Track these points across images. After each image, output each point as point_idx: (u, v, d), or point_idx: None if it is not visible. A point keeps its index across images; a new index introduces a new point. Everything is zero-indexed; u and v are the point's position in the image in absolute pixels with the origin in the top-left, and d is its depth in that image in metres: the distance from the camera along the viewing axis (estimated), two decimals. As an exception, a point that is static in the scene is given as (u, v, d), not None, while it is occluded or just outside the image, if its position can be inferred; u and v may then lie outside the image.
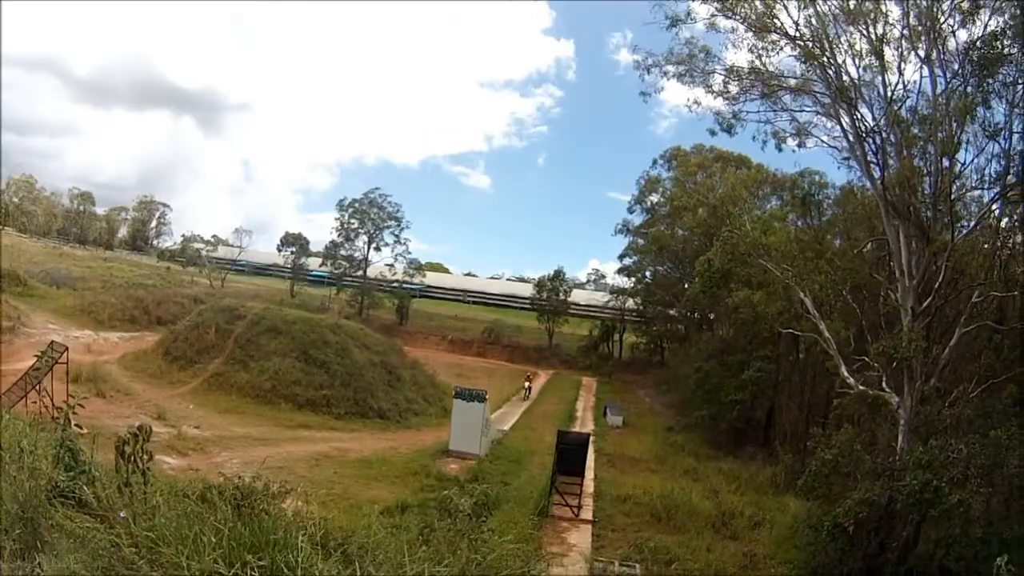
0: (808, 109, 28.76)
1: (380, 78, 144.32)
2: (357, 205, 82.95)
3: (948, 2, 23.74)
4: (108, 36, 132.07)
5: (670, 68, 29.17)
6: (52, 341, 30.94)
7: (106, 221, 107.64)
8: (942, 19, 23.95)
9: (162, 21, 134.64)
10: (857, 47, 26.30)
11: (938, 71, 24.11)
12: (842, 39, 26.52)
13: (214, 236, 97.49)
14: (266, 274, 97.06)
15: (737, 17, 27.94)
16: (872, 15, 25.44)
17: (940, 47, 24.09)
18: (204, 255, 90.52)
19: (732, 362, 42.49)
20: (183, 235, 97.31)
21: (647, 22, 28.40)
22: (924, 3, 24.29)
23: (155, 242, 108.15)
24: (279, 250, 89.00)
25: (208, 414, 34.38)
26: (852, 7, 25.92)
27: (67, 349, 27.98)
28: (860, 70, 26.20)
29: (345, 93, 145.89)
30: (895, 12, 25.32)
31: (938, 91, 23.92)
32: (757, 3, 27.66)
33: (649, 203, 70.15)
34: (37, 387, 23.93)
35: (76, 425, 24.83)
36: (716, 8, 27.84)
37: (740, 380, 40.03)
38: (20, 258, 66.18)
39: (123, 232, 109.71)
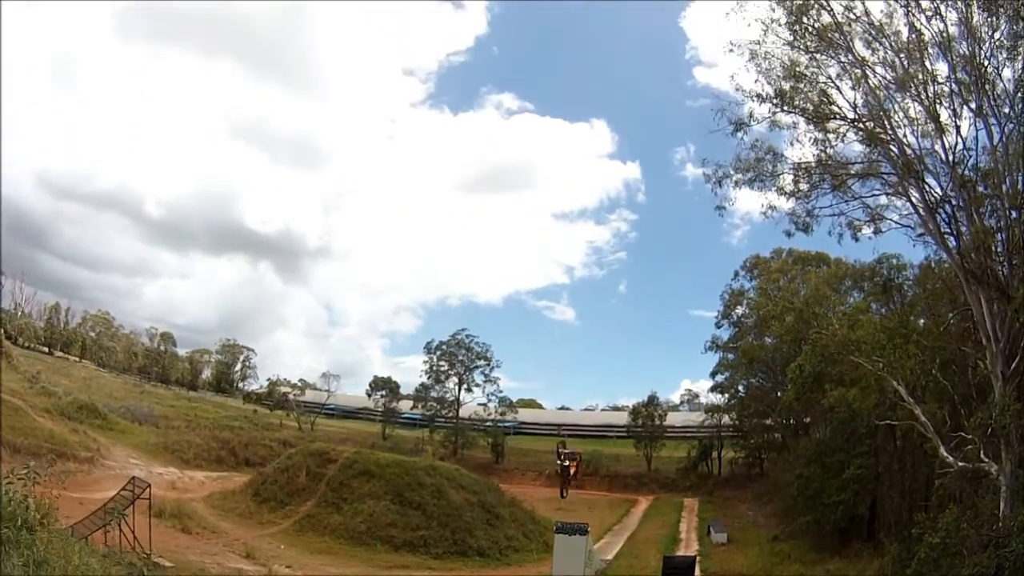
0: (877, 192, 29.06)
1: (459, 219, 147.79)
2: (445, 347, 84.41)
3: (987, 44, 24.06)
4: (181, 179, 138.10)
5: (740, 176, 29.86)
6: (134, 476, 31.80)
7: (189, 362, 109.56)
8: (986, 63, 24.17)
9: (237, 166, 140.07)
10: (912, 113, 26.63)
11: (992, 121, 24.16)
12: (897, 110, 26.94)
13: (301, 380, 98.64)
14: (356, 417, 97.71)
15: (796, 110, 28.61)
16: (920, 77, 25.66)
17: (990, 94, 24.20)
18: (291, 398, 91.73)
19: (831, 463, 41.18)
20: (269, 379, 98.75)
21: (711, 131, 29.22)
22: (965, 50, 24.59)
23: (240, 384, 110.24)
24: (369, 394, 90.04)
25: (299, 555, 34.66)
26: (901, 75, 26.22)
27: (149, 485, 28.71)
28: (919, 138, 26.47)
29: (425, 236, 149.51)
30: (943, 70, 25.68)
31: (995, 142, 24.01)
32: (812, 94, 28.38)
33: (735, 316, 69.73)
34: (118, 519, 24.42)
35: (159, 557, 25.38)
36: (774, 104, 28.62)
37: (841, 480, 38.64)
38: (99, 391, 68.40)
39: (207, 374, 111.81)
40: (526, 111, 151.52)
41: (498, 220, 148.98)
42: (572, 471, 55.41)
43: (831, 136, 28.90)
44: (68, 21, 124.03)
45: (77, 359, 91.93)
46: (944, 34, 25.41)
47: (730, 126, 28.93)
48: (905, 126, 26.81)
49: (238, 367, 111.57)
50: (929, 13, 25.68)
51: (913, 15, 26.05)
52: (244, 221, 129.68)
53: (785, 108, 28.73)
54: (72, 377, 73.03)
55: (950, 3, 25.47)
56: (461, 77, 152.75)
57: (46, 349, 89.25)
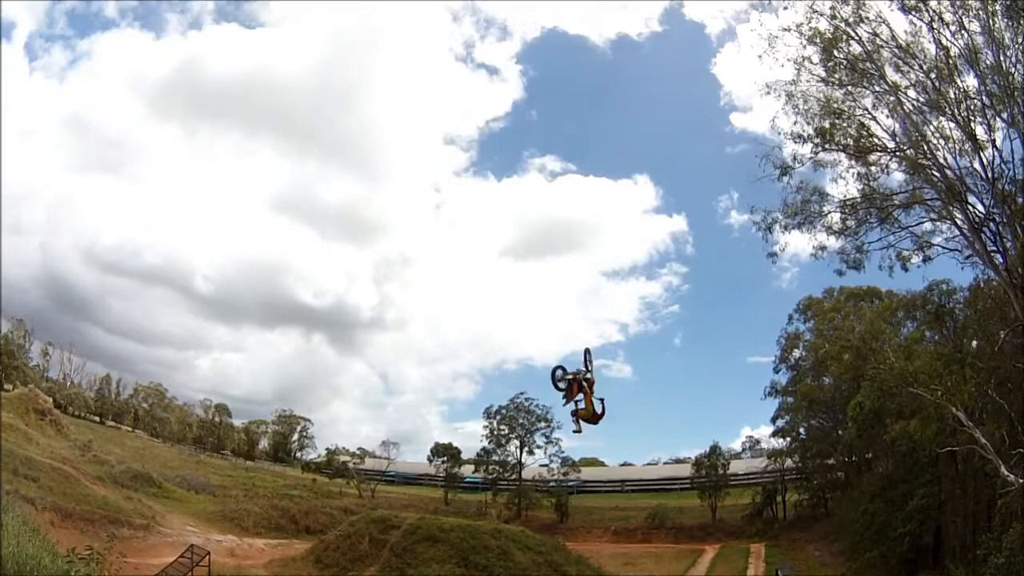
0: (923, 219, 29.44)
1: (511, 283, 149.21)
2: (504, 411, 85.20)
3: (1012, 51, 24.83)
4: (229, 255, 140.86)
5: (788, 220, 30.34)
6: (192, 543, 32.48)
7: (245, 433, 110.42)
8: (1013, 71, 24.79)
9: (285, 241, 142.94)
10: (948, 133, 27.07)
11: (1024, 128, 24.36)
12: (934, 132, 27.43)
13: (360, 448, 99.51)
14: (417, 484, 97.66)
15: (837, 147, 29.30)
16: (952, 95, 26.20)
17: (1019, 101, 24.74)
18: (351, 467, 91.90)
19: (895, 496, 41.36)
20: (328, 448, 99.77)
21: (758, 178, 30.17)
22: (992, 59, 25.30)
23: (299, 454, 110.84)
24: (430, 460, 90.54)
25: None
26: (933, 96, 26.72)
27: (208, 553, 29.43)
28: (958, 158, 26.92)
29: (478, 302, 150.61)
30: (973, 84, 26.27)
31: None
32: (851, 128, 29.03)
33: (792, 359, 69.45)
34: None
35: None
36: (815, 144, 29.35)
37: (906, 512, 38.89)
38: (153, 460, 69.93)
39: (264, 444, 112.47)
40: (569, 172, 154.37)
41: (550, 282, 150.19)
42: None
43: (873, 169, 29.43)
44: (108, 100, 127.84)
45: (130, 429, 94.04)
46: (970, 46, 26.03)
47: (775, 171, 29.86)
48: (943, 148, 27.28)
49: (295, 437, 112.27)
50: (953, 27, 26.39)
51: (938, 31, 26.68)
52: (296, 295, 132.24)
53: (826, 146, 29.44)
54: (125, 446, 74.94)
55: (972, 14, 26.15)
56: (502, 142, 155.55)
57: (97, 418, 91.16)
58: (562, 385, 13.69)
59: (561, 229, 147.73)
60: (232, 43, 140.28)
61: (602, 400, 13.92)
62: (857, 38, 28.21)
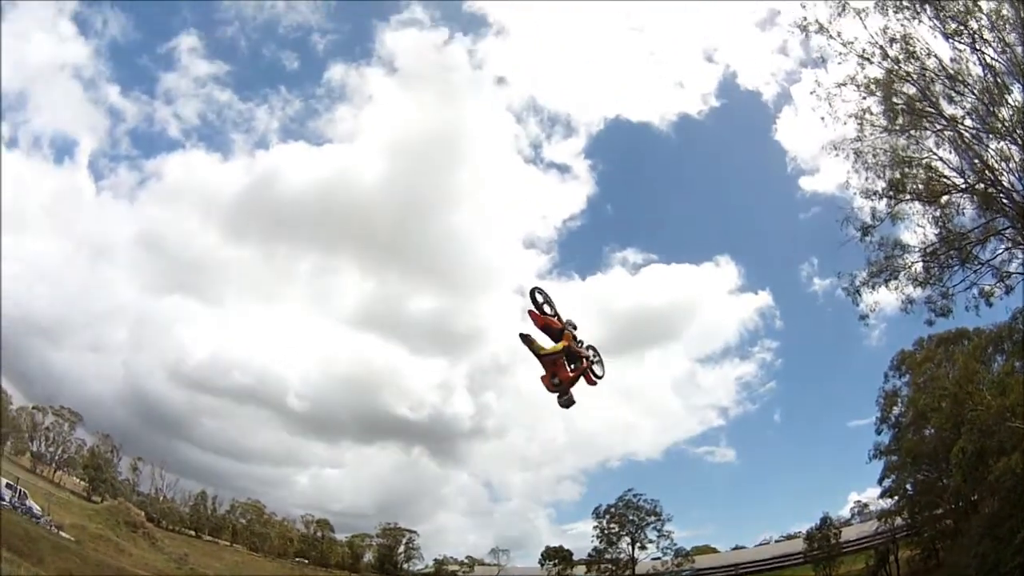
0: (999, 252, 31.00)
1: (607, 382, 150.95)
2: (613, 509, 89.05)
3: None
4: (320, 373, 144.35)
5: (875, 279, 32.40)
6: None
7: (349, 546, 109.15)
8: None
9: (376, 357, 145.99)
10: (1007, 153, 28.92)
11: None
12: (995, 156, 29.17)
13: (468, 557, 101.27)
14: None
15: (909, 195, 31.17)
16: (1004, 115, 28.20)
17: None
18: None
19: (1003, 533, 41.41)
20: (436, 558, 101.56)
21: (841, 243, 32.67)
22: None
23: (405, 566, 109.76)
24: (541, 564, 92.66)
25: None
26: (988, 120, 28.70)
27: None
28: (1020, 179, 28.65)
29: (576, 404, 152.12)
30: (1020, 99, 28.08)
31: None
32: (920, 173, 30.81)
33: (893, 417, 70.87)
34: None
35: None
36: (889, 197, 31.46)
37: (1014, 546, 39.08)
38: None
39: (368, 557, 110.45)
40: (651, 262, 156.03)
41: (645, 375, 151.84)
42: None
43: (948, 210, 30.97)
44: (182, 220, 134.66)
45: (228, 543, 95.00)
46: (1013, 60, 27.95)
47: (857, 232, 32.33)
48: (1006, 171, 28.97)
49: (401, 549, 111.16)
50: (995, 45, 28.42)
51: (981, 51, 28.73)
52: (392, 409, 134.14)
53: (899, 196, 31.50)
54: (224, 560, 77.80)
55: (1010, 27, 28.27)
56: (581, 240, 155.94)
57: (192, 532, 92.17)
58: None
59: (651, 320, 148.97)
60: (301, 160, 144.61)
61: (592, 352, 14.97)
62: (910, 77, 30.51)
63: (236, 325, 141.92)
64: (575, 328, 14.67)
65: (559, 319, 14.46)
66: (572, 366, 14.23)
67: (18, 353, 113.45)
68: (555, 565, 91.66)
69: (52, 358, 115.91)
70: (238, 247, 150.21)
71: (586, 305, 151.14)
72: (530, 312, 14.28)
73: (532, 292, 14.40)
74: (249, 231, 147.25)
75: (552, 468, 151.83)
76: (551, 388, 13.83)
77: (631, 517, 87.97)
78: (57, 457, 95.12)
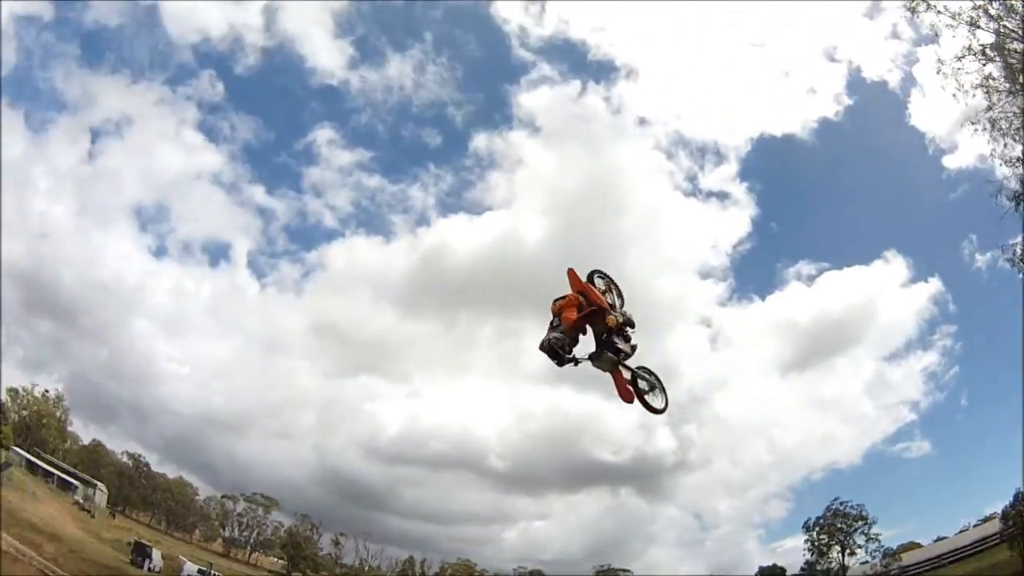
0: None
1: (800, 395, 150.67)
2: (822, 520, 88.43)
3: None
4: (518, 431, 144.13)
5: None
6: None
7: None
8: None
9: (573, 409, 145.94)
10: None
11: None
12: None
13: None
14: None
15: None
16: None
17: None
18: None
19: None
20: None
21: (1000, 216, 32.72)
22: None
23: None
24: None
25: None
26: None
27: None
28: None
29: (773, 422, 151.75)
30: None
31: None
32: None
33: None
34: None
35: None
36: None
37: None
38: None
39: None
40: (824, 270, 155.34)
41: (836, 382, 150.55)
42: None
43: None
44: (355, 304, 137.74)
45: None
46: None
47: (1010, 202, 32.38)
48: None
49: None
50: None
51: None
52: (594, 456, 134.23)
53: None
54: None
55: None
56: (754, 262, 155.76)
57: None
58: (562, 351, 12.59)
59: (833, 328, 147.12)
60: (464, 231, 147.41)
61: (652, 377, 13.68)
62: (1015, 33, 30.47)
63: (426, 396, 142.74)
64: (627, 323, 13.62)
65: (608, 300, 13.68)
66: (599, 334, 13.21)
67: (202, 447, 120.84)
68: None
69: (238, 449, 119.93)
70: (416, 322, 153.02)
71: (771, 325, 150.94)
72: (570, 270, 13.90)
73: (592, 272, 14.09)
74: (424, 306, 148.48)
75: (758, 489, 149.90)
76: (551, 326, 13.08)
77: (839, 525, 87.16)
78: (252, 540, 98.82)
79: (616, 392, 13.18)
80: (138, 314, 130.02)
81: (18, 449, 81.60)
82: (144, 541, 73.31)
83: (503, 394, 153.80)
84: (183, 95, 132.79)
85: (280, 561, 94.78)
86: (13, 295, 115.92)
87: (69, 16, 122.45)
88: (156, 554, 70.72)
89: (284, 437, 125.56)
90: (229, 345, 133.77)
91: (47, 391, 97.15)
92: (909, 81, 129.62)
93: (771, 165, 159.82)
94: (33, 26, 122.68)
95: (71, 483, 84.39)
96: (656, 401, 13.75)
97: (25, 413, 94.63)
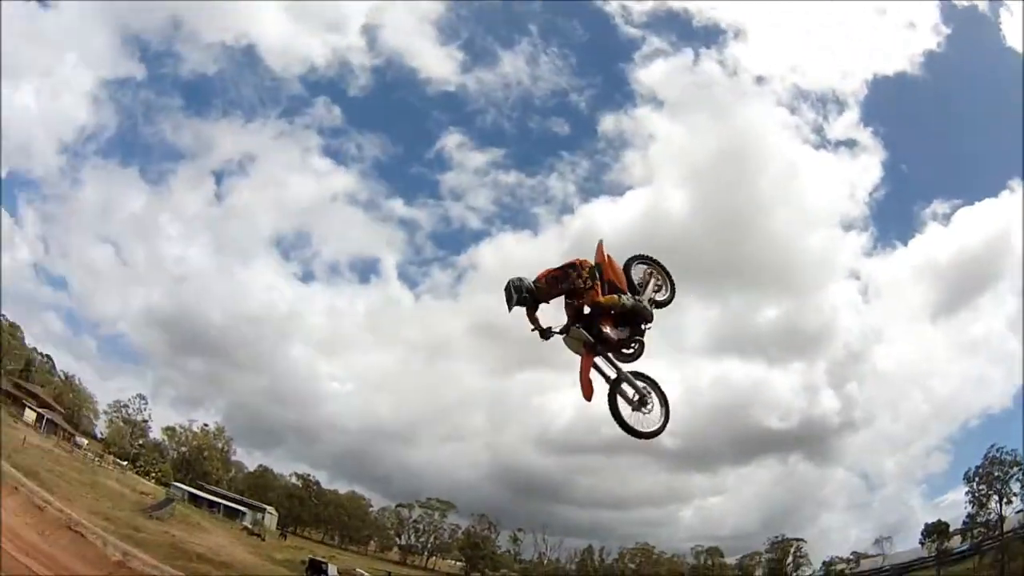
0: None
1: (955, 339, 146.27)
2: (980, 471, 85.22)
3: None
4: (689, 408, 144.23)
5: None
6: None
7: (739, 568, 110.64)
8: None
9: (739, 380, 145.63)
10: None
11: None
12: None
13: (853, 553, 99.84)
14: (911, 570, 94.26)
15: None
16: None
17: None
18: (847, 573, 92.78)
19: None
20: (824, 561, 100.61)
21: None
22: None
23: (794, 575, 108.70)
24: (921, 543, 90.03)
25: None
26: None
27: None
28: None
29: (932, 372, 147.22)
30: None
31: None
32: None
33: None
34: None
35: None
36: None
37: None
38: None
39: (759, 574, 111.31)
40: (958, 208, 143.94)
41: (984, 324, 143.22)
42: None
43: None
44: None
45: None
46: None
47: None
48: None
49: (790, 559, 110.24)
50: None
51: None
52: (762, 424, 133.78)
53: None
54: None
55: None
56: (892, 207, 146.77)
57: None
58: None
59: (974, 265, 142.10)
60: (609, 214, 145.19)
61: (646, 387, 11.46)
62: None
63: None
64: (634, 311, 11.41)
65: (627, 282, 11.75)
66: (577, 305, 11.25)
67: (373, 460, 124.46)
68: (933, 541, 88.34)
69: (409, 457, 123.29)
70: None
71: (916, 270, 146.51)
72: (600, 242, 11.99)
73: (634, 257, 12.23)
74: None
75: (920, 443, 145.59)
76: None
77: (996, 473, 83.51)
78: (429, 545, 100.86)
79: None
80: (293, 339, 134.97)
81: (179, 484, 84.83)
82: (318, 558, 74.76)
83: (669, 371, 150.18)
84: (301, 125, 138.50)
85: (458, 563, 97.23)
86: (159, 339, 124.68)
87: (163, 72, 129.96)
88: (332, 569, 72.02)
89: (455, 440, 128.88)
90: (390, 357, 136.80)
91: (206, 425, 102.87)
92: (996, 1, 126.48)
93: (890, 106, 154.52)
94: (128, 87, 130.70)
95: (238, 510, 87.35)
96: (645, 421, 11.50)
97: (184, 449, 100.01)
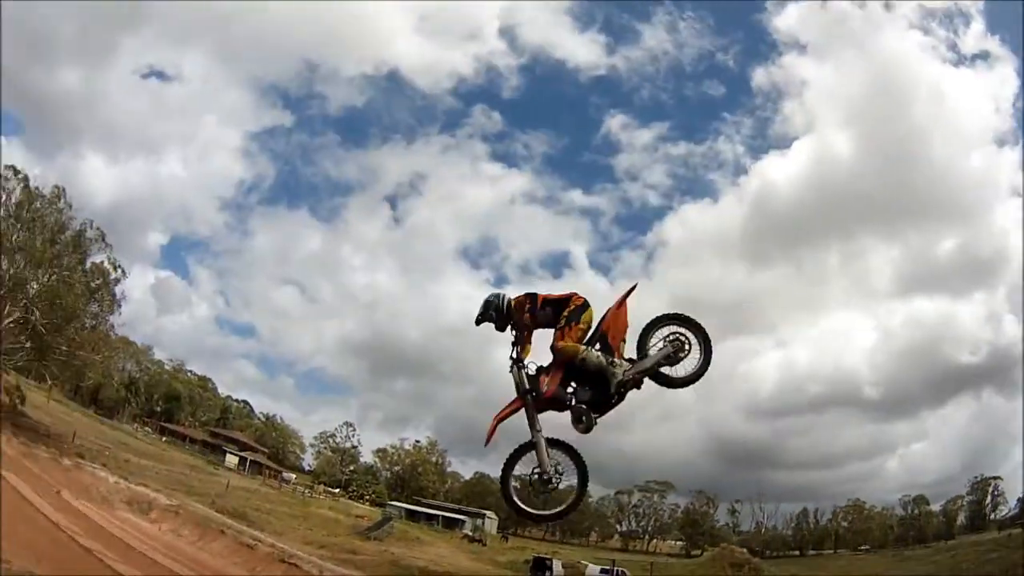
0: None
1: None
2: None
3: None
4: (884, 352, 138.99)
5: None
6: None
7: (943, 515, 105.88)
8: None
9: (925, 319, 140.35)
10: None
11: None
12: None
13: None
14: None
15: None
16: None
17: None
18: None
19: None
20: (1019, 497, 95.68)
21: None
22: None
23: (992, 515, 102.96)
24: None
25: None
26: None
27: None
28: None
29: None
30: None
31: None
32: None
33: None
34: None
35: None
36: None
37: None
38: None
39: (960, 518, 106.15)
40: None
41: None
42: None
43: None
44: (709, 273, 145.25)
45: (831, 551, 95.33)
46: None
47: None
48: None
49: (988, 500, 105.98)
50: None
51: None
52: (955, 361, 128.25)
53: None
54: (827, 569, 78.73)
55: None
56: None
57: (797, 552, 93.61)
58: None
59: None
60: (780, 167, 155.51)
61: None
62: None
63: (793, 342, 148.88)
64: (602, 369, 9.02)
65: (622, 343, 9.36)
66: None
67: (588, 450, 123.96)
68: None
69: (623, 443, 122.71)
70: (764, 271, 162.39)
71: None
72: (627, 294, 9.70)
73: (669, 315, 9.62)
74: (766, 252, 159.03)
75: None
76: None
77: None
78: (650, 528, 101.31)
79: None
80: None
81: (395, 503, 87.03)
82: (542, 555, 73.72)
83: (861, 319, 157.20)
84: (464, 136, 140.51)
85: (678, 543, 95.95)
86: (359, 366, 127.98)
87: (311, 114, 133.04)
88: (556, 564, 70.43)
89: (667, 419, 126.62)
90: None
91: (417, 441, 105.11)
92: None
93: (1007, 11, 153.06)
94: (278, 135, 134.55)
95: (457, 519, 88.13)
96: (539, 502, 9.53)
97: (398, 468, 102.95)
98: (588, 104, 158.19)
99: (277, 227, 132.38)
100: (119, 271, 55.19)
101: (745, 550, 75.17)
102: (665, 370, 9.23)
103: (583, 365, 8.92)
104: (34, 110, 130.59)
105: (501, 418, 9.26)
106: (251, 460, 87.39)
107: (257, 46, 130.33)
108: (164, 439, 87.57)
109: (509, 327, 9.36)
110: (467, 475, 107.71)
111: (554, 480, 9.23)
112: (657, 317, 9.54)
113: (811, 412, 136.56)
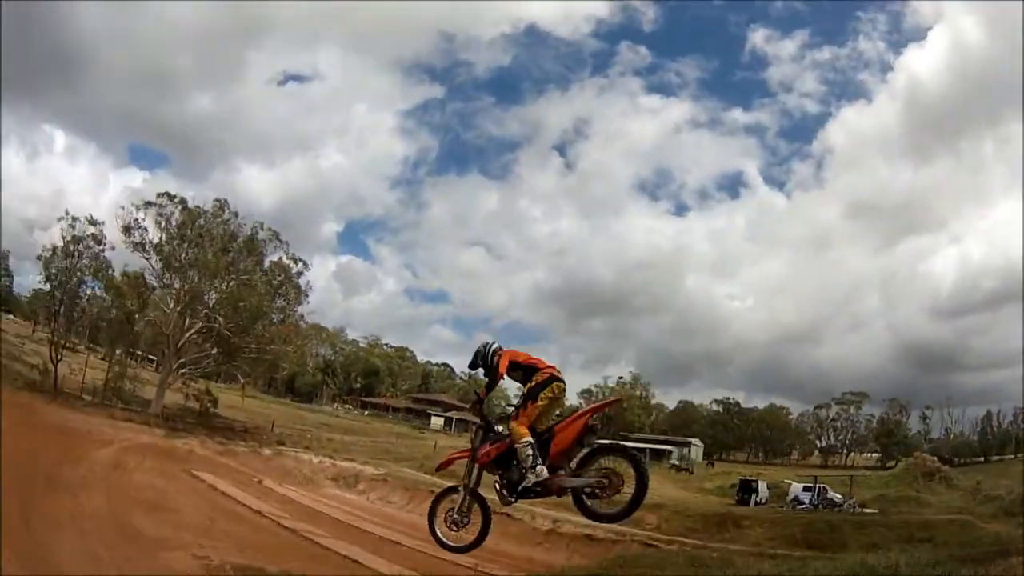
0: None
1: None
2: None
3: None
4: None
5: None
6: None
7: None
8: None
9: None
10: None
11: None
12: None
13: None
14: None
15: None
16: None
17: None
18: None
19: None
20: None
21: None
22: None
23: None
24: None
25: None
26: None
27: None
28: None
29: None
30: None
31: None
32: None
33: None
34: None
35: None
36: None
37: None
38: None
39: None
40: None
41: None
42: None
43: None
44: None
45: (1012, 456, 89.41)
46: None
47: None
48: None
49: None
50: None
51: None
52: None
53: None
54: (1010, 475, 70.84)
55: None
56: None
57: (981, 459, 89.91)
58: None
59: None
60: (920, 62, 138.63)
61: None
62: None
63: (966, 236, 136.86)
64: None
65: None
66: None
67: (784, 369, 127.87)
68: None
69: (818, 357, 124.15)
70: (928, 166, 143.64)
71: None
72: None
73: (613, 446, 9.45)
74: (927, 146, 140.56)
75: None
76: None
77: None
78: (847, 442, 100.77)
79: None
80: (685, 272, 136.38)
81: (601, 441, 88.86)
82: (748, 477, 74.14)
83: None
84: (616, 75, 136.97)
85: (874, 455, 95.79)
86: (555, 313, 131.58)
87: (460, 82, 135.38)
88: (762, 485, 70.50)
89: (856, 328, 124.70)
90: (779, 262, 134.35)
91: (621, 378, 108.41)
92: None
93: None
94: (432, 108, 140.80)
95: (663, 450, 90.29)
96: (455, 535, 9.54)
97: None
98: (727, 23, 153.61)
99: (451, 194, 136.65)
100: (300, 264, 57.67)
101: (936, 459, 76.43)
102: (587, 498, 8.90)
103: (511, 447, 8.94)
104: (175, 142, 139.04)
105: (455, 458, 9.70)
106: (457, 419, 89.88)
107: (387, 30, 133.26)
108: (366, 413, 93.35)
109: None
110: (671, 405, 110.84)
111: (465, 520, 9.42)
112: (609, 445, 9.60)
113: (988, 309, 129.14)
